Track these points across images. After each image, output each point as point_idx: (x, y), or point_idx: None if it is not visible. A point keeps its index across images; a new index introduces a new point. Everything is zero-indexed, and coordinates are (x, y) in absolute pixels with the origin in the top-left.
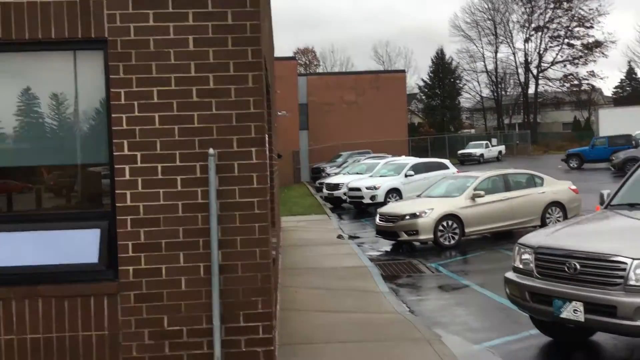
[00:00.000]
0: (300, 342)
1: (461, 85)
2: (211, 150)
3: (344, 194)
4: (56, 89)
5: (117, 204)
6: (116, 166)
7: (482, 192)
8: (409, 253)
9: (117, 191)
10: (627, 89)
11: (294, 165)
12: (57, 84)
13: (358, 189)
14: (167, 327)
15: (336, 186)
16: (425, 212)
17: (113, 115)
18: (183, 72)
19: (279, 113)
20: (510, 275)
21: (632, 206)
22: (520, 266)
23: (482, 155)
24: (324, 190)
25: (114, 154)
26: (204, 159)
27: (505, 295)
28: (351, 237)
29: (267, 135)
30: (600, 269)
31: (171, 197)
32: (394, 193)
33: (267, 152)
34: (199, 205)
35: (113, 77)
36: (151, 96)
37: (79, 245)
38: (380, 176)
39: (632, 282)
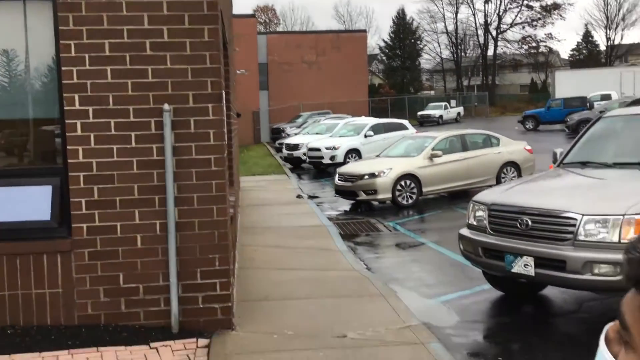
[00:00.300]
0: (258, 298)
1: (421, 46)
2: (166, 106)
3: (304, 154)
4: (5, 41)
5: (69, 160)
6: (67, 121)
7: (439, 152)
8: (368, 212)
9: (68, 147)
10: (584, 51)
11: (254, 126)
12: (6, 36)
13: (317, 149)
14: (123, 284)
15: (296, 146)
16: (384, 172)
17: (63, 68)
18: (135, 24)
19: (238, 72)
20: (464, 231)
21: (583, 164)
22: (474, 223)
23: (441, 116)
24: (284, 151)
25: (65, 108)
26: (159, 115)
27: (460, 251)
28: (310, 197)
29: (224, 92)
30: (550, 225)
31: (125, 154)
32: (354, 153)
33: (225, 109)
34: (154, 162)
35: (62, 29)
36: (102, 49)
37: (30, 203)
38: (340, 136)
39: (581, 238)
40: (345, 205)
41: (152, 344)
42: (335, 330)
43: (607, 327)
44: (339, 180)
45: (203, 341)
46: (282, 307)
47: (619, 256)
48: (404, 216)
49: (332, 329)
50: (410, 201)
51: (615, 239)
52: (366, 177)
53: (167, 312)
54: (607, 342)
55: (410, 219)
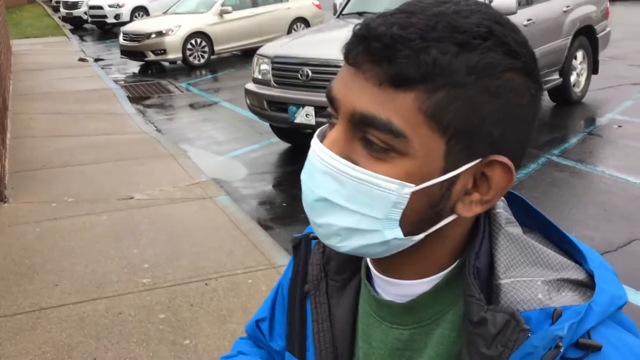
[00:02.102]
0: (35, 168)
1: None
2: None
3: (85, 13)
4: None
5: None
6: None
7: (229, 8)
8: (158, 74)
9: None
10: None
11: None
12: None
13: (100, 7)
14: None
15: (75, 4)
16: (172, 30)
17: None
18: None
19: None
20: (250, 86)
21: (360, 14)
22: (259, 77)
23: None
24: (62, 10)
25: None
26: None
27: (247, 107)
28: (95, 60)
29: None
30: (329, 75)
31: None
32: (141, 11)
33: None
34: None
35: None
36: None
37: None
38: None
39: None
40: (134, 67)
41: None
42: (121, 193)
43: (320, 132)
44: (124, 40)
45: None
46: (63, 175)
47: None
48: (196, 76)
49: (118, 192)
50: (202, 60)
51: None
52: (153, 35)
53: None
54: (353, 161)
55: (202, 79)
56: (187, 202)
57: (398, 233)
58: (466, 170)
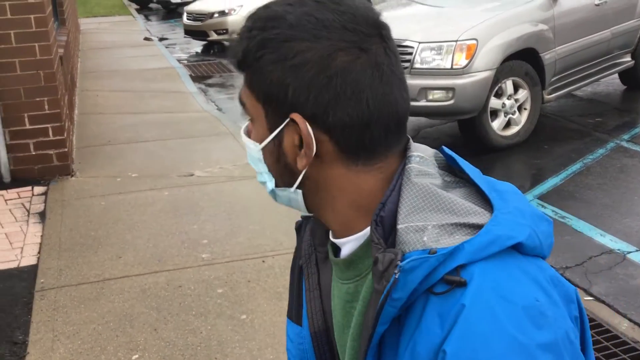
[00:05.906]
0: (101, 143)
1: None
2: None
3: None
4: None
5: None
6: None
7: None
8: (220, 53)
9: None
10: None
11: None
12: None
13: None
14: None
15: None
16: (235, 10)
17: None
18: None
19: None
20: None
21: None
22: None
23: None
24: None
25: None
26: None
27: None
28: (160, 39)
29: None
30: None
31: None
32: None
33: None
34: None
35: None
36: None
37: None
38: None
39: (417, 65)
40: (197, 46)
41: None
42: (182, 170)
43: (243, 127)
44: (187, 19)
45: (40, 189)
46: (127, 151)
47: (450, 82)
48: None
49: (179, 168)
50: None
51: (448, 65)
52: (216, 15)
53: None
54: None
55: None
56: (245, 181)
57: (273, 184)
58: (286, 128)
